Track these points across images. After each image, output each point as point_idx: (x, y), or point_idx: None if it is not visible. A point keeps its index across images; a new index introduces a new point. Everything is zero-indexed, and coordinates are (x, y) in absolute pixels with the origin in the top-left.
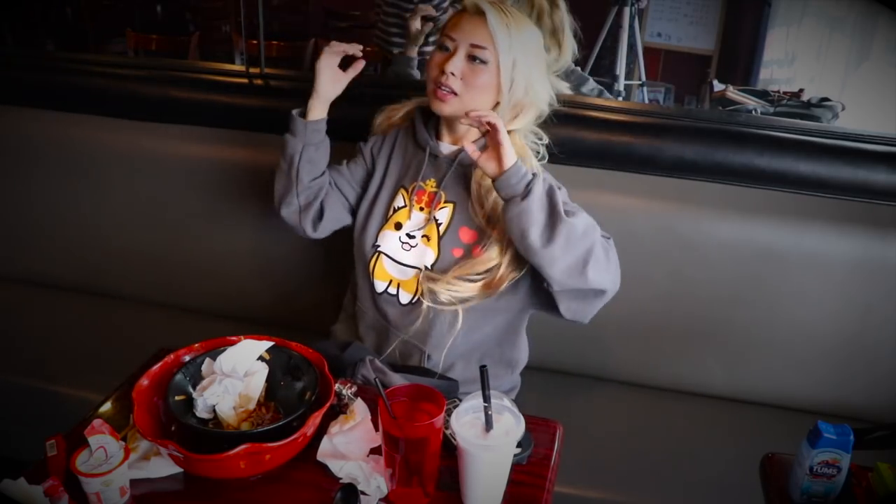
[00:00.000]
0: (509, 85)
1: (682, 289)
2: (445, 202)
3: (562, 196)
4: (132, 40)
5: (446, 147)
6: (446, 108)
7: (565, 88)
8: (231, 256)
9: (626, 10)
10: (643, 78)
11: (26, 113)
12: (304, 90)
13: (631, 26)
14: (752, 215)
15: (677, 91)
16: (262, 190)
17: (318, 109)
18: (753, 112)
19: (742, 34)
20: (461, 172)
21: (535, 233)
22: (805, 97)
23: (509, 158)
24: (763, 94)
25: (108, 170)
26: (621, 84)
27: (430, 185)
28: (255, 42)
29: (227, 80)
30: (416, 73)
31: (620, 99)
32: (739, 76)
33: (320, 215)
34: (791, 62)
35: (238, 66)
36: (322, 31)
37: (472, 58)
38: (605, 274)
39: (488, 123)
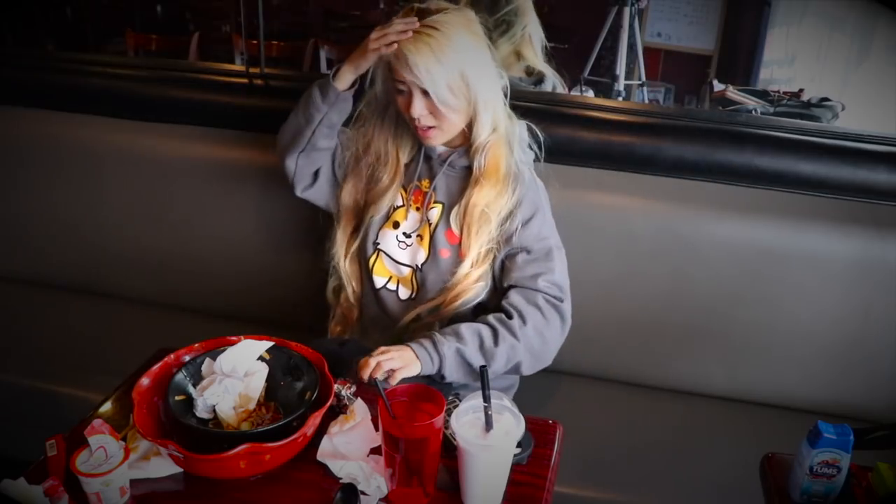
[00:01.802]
0: (467, 99)
1: (682, 289)
2: (435, 202)
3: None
4: (132, 40)
5: (440, 148)
6: (432, 141)
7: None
8: (231, 256)
9: (626, 10)
10: (643, 78)
11: (26, 113)
12: (303, 90)
13: (631, 26)
14: (752, 215)
15: (677, 91)
16: (261, 190)
17: (350, 79)
18: (753, 112)
19: (742, 34)
20: (451, 174)
21: (469, 380)
22: (805, 97)
23: (413, 368)
24: (763, 94)
25: (108, 170)
26: (621, 84)
27: (425, 184)
28: (255, 42)
29: (227, 80)
30: None
31: (620, 99)
32: (739, 76)
33: (312, 182)
34: (791, 62)
35: (238, 66)
36: (322, 31)
37: (426, 92)
38: (538, 363)
39: (372, 376)
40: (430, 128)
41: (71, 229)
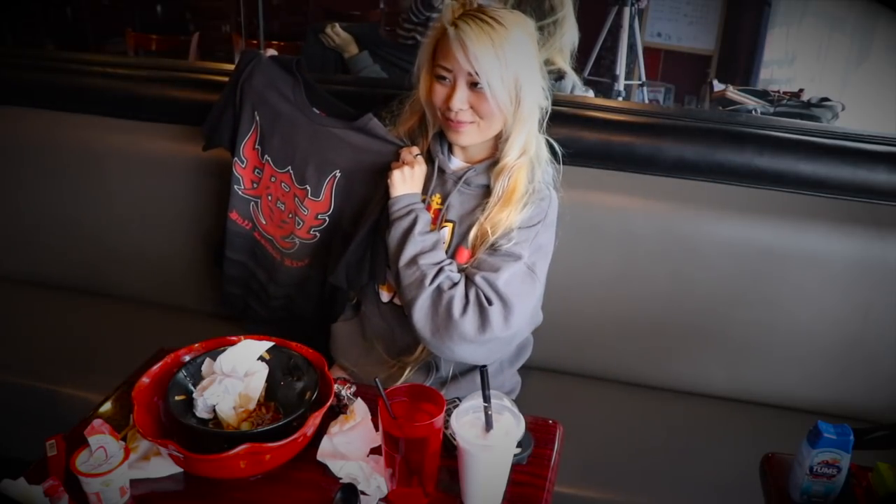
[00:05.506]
0: (513, 105)
1: (682, 289)
2: (445, 221)
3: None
4: (132, 40)
5: (456, 163)
6: (463, 138)
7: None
8: None
9: (626, 10)
10: (643, 78)
11: (26, 113)
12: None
13: (631, 26)
14: (752, 215)
15: (677, 91)
16: None
17: None
18: (753, 112)
19: (742, 34)
20: (466, 192)
21: (392, 260)
22: (805, 97)
23: (400, 189)
24: (763, 94)
25: (107, 170)
26: (621, 84)
27: (436, 201)
28: (255, 42)
29: (227, 80)
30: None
31: (620, 99)
32: (739, 76)
33: None
34: (791, 62)
35: None
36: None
37: (473, 84)
38: (433, 334)
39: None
40: (466, 122)
41: (71, 229)
